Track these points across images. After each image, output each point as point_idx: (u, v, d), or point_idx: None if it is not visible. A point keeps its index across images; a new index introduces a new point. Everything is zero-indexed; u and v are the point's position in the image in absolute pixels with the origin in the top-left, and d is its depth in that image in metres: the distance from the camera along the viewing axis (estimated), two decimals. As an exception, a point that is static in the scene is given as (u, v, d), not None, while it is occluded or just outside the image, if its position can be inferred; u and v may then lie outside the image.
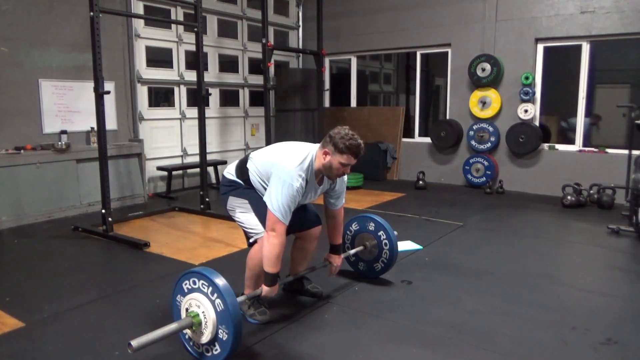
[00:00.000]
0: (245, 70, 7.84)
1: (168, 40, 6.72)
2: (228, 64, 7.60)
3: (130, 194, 5.98)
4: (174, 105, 6.93)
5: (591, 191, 5.89)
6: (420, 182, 7.02)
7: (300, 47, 8.57)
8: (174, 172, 6.60)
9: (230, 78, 7.63)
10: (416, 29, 7.42)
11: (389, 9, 7.60)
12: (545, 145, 6.64)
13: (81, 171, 5.50)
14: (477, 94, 6.92)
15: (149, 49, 6.49)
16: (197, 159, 5.91)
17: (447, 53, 7.29)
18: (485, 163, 6.84)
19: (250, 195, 2.71)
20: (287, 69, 8.37)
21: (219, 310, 2.16)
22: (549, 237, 4.58)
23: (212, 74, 7.24)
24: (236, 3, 7.60)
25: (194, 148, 6.68)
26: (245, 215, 2.71)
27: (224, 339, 2.17)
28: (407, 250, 4.08)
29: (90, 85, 4.47)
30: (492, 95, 6.80)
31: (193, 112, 6.68)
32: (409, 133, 7.97)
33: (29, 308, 2.96)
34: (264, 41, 6.17)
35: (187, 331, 2.29)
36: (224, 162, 7.26)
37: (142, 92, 6.47)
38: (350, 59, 8.40)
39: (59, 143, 5.28)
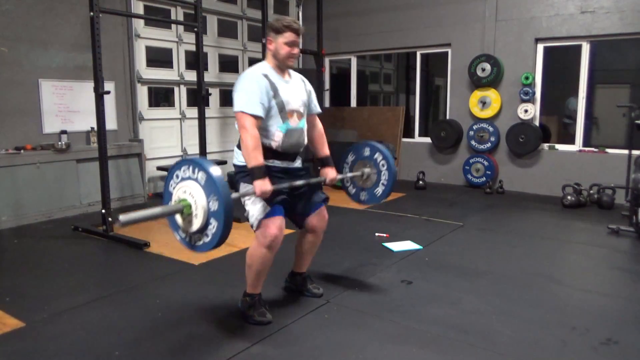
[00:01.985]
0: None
1: (168, 40, 6.72)
2: (228, 64, 7.60)
3: (130, 194, 5.98)
4: (174, 105, 6.92)
5: (591, 191, 5.89)
6: (420, 182, 7.02)
7: (300, 47, 8.57)
8: (174, 172, 6.59)
9: (230, 78, 7.62)
10: (416, 29, 7.42)
11: (389, 9, 7.60)
12: (545, 145, 6.64)
13: (81, 171, 5.50)
14: (477, 94, 6.92)
15: (149, 49, 6.49)
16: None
17: (447, 53, 7.29)
18: (485, 163, 6.84)
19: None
20: (287, 69, 8.36)
21: (212, 208, 2.13)
22: (549, 237, 4.58)
23: (212, 74, 7.24)
24: (236, 3, 7.60)
25: (194, 148, 6.68)
26: (252, 206, 2.66)
27: (214, 227, 2.14)
28: (407, 250, 4.08)
29: (90, 85, 4.47)
30: (492, 95, 6.80)
31: (193, 112, 6.68)
32: (409, 133, 7.97)
33: (29, 308, 2.96)
34: (264, 41, 6.16)
35: (179, 221, 2.25)
36: (224, 162, 7.25)
37: (142, 92, 6.47)
38: (350, 59, 8.40)
39: (59, 143, 5.28)
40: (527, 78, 6.48)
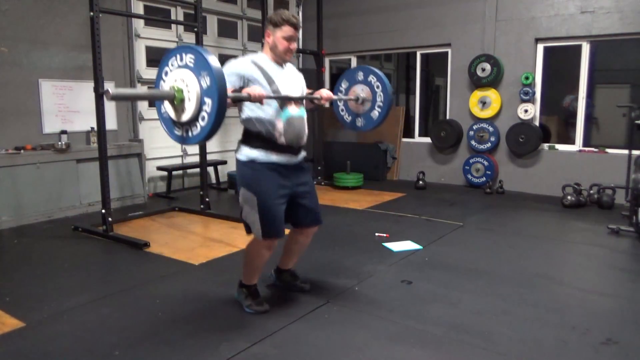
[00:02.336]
0: (245, 70, 7.83)
1: (168, 40, 6.71)
2: (228, 64, 7.59)
3: (130, 194, 5.98)
4: (174, 105, 6.92)
5: (591, 191, 5.89)
6: (420, 182, 7.02)
7: (300, 47, 8.57)
8: (174, 172, 6.60)
9: (230, 78, 7.62)
10: (416, 29, 7.42)
11: (389, 9, 7.60)
12: (545, 145, 6.64)
13: (81, 171, 5.50)
14: (477, 94, 6.92)
15: (149, 49, 6.49)
16: (197, 159, 5.91)
17: (447, 53, 7.29)
18: (485, 163, 6.84)
19: (260, 189, 2.65)
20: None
21: (204, 86, 2.08)
22: (549, 237, 4.58)
23: (212, 74, 7.23)
24: (236, 3, 7.60)
25: (193, 148, 6.68)
26: (250, 215, 2.69)
27: (208, 105, 2.08)
28: (407, 250, 4.08)
29: (90, 85, 4.47)
30: (492, 95, 6.80)
31: (193, 112, 6.67)
32: (409, 133, 7.97)
33: (29, 308, 2.96)
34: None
35: (172, 113, 2.20)
36: (224, 162, 7.26)
37: (142, 92, 6.47)
38: (350, 59, 8.40)
39: (59, 143, 5.28)
40: (527, 78, 6.48)
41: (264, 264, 2.84)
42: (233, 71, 2.60)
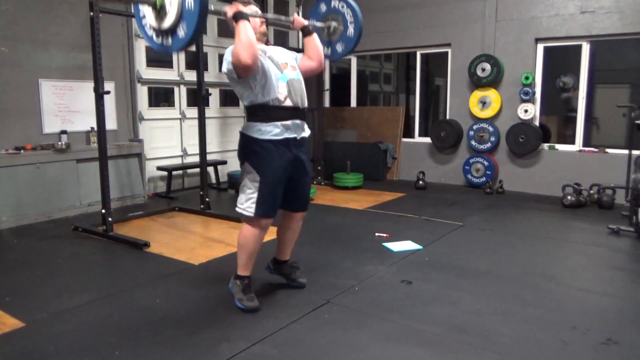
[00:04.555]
0: (245, 70, 7.83)
1: (168, 40, 6.71)
2: (228, 64, 7.59)
3: (130, 194, 5.98)
4: (174, 105, 6.93)
5: (591, 191, 5.89)
6: (420, 182, 7.02)
7: (300, 47, 8.57)
8: (174, 172, 6.60)
9: (230, 78, 7.62)
10: (416, 29, 7.42)
11: (389, 9, 7.60)
12: (545, 145, 6.64)
13: (81, 171, 5.50)
14: (477, 94, 6.92)
15: (149, 49, 6.49)
16: (197, 159, 5.91)
17: (447, 53, 7.29)
18: (485, 163, 6.84)
19: (265, 169, 2.75)
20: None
21: (186, 4, 2.03)
22: (549, 237, 4.58)
23: (212, 74, 7.24)
24: (236, 3, 7.59)
25: (194, 148, 6.68)
26: (248, 189, 2.78)
27: (191, 3, 2.03)
28: (407, 250, 4.08)
29: (90, 85, 4.47)
30: (492, 95, 6.80)
31: (193, 112, 6.68)
32: (409, 133, 7.97)
33: (29, 308, 2.96)
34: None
35: (153, 22, 2.15)
36: (224, 162, 7.26)
37: (142, 92, 6.47)
38: (350, 59, 8.40)
39: (59, 143, 5.28)
40: (527, 78, 6.48)
41: (257, 249, 2.88)
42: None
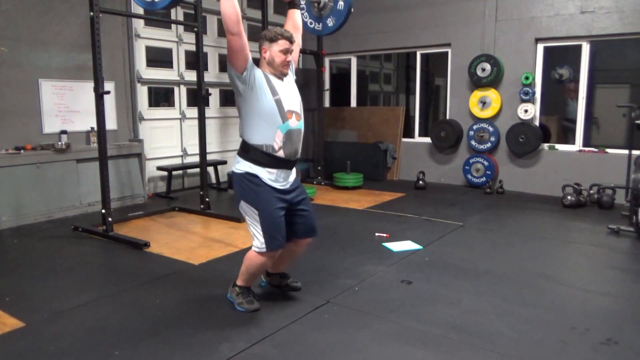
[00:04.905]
0: (245, 70, 7.83)
1: (168, 40, 6.72)
2: (228, 64, 7.59)
3: (130, 194, 5.98)
4: (173, 105, 6.93)
5: (591, 191, 5.89)
6: (420, 182, 7.02)
7: (300, 47, 8.56)
8: (174, 172, 6.60)
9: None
10: (416, 29, 7.42)
11: (389, 9, 7.60)
12: (545, 145, 6.64)
13: (81, 171, 5.50)
14: (477, 94, 6.92)
15: (149, 49, 6.49)
16: (197, 159, 5.91)
17: (447, 53, 7.29)
18: (485, 163, 6.84)
19: (260, 202, 2.71)
20: (287, 69, 8.35)
21: None
22: (549, 237, 4.58)
23: (212, 74, 7.24)
24: (236, 3, 7.59)
25: (194, 148, 6.68)
26: (253, 226, 2.76)
27: None
28: (407, 250, 4.08)
29: (90, 85, 4.47)
30: (492, 95, 6.80)
31: (193, 112, 6.68)
32: (409, 133, 7.97)
33: (29, 308, 2.96)
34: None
35: None
36: (224, 162, 7.27)
37: (142, 92, 6.47)
38: (350, 59, 8.40)
39: (59, 143, 5.28)
40: (527, 78, 6.48)
41: (262, 272, 3.02)
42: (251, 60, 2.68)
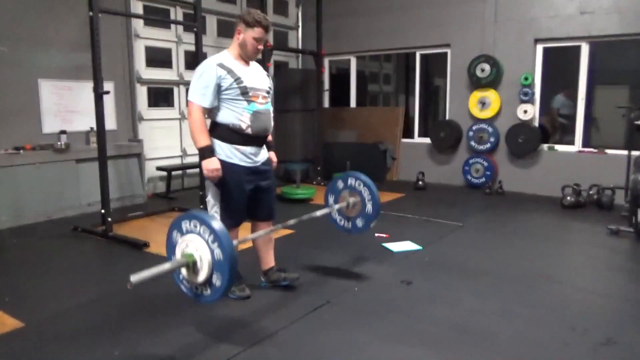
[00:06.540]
0: (244, 71, 7.83)
1: (167, 40, 6.72)
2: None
3: (129, 194, 5.98)
4: (173, 105, 6.92)
5: (591, 192, 5.89)
6: (420, 182, 7.02)
7: (300, 47, 8.57)
8: (173, 172, 6.60)
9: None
10: (416, 29, 7.43)
11: (389, 9, 7.61)
12: (545, 146, 6.65)
13: (81, 171, 5.50)
14: (477, 95, 6.92)
15: (148, 49, 6.49)
16: (196, 159, 5.85)
17: (446, 53, 7.29)
18: (485, 163, 6.84)
19: (224, 182, 2.83)
20: (287, 69, 8.36)
21: (216, 258, 2.16)
22: (548, 237, 4.59)
23: (211, 74, 7.22)
24: (236, 3, 7.60)
25: (193, 148, 6.63)
26: (212, 203, 2.93)
27: (218, 279, 2.16)
28: (407, 251, 4.08)
29: (89, 85, 4.47)
30: (491, 95, 6.80)
31: (193, 112, 6.67)
32: (408, 133, 7.97)
33: (29, 308, 2.96)
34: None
35: (183, 272, 2.28)
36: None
37: (142, 92, 6.47)
38: (349, 60, 8.40)
39: (59, 143, 5.28)
40: (526, 79, 6.49)
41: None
42: (205, 85, 2.72)
